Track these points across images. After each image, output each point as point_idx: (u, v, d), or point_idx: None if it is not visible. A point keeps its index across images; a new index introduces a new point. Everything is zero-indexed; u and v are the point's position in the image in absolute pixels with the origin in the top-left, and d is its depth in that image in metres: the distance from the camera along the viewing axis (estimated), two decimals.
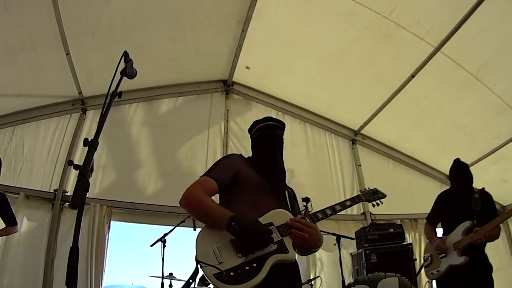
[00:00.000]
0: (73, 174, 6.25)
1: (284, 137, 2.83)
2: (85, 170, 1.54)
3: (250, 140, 2.85)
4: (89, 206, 5.97)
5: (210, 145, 7.11)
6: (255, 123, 2.82)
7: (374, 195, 2.91)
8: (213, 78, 7.40)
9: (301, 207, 3.92)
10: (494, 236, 4.12)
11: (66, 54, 5.71)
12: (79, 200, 1.47)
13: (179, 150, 6.92)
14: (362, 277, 4.18)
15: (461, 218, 4.19)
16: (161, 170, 6.73)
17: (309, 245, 2.38)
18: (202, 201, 2.30)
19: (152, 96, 7.06)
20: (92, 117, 6.71)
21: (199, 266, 2.12)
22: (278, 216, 2.36)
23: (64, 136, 6.46)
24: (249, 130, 2.87)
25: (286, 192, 2.68)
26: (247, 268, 2.10)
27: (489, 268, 4.15)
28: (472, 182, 4.59)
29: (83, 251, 5.72)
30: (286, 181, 2.76)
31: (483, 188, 4.44)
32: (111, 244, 6.14)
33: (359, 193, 2.91)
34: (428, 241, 4.62)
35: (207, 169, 2.57)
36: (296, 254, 2.33)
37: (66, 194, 6.07)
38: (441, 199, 4.65)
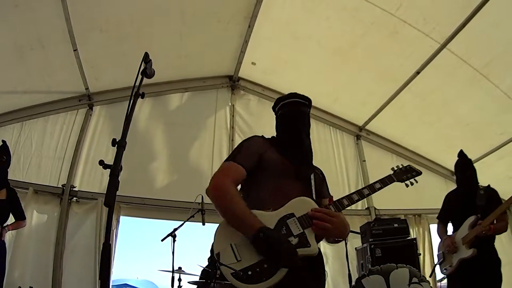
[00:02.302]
0: (81, 169, 6.35)
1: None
2: (116, 170, 1.58)
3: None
4: (97, 201, 6.04)
5: (216, 140, 7.16)
6: (279, 100, 2.67)
7: (408, 173, 2.63)
8: (219, 74, 7.43)
9: None
10: (501, 229, 4.29)
11: (74, 51, 5.76)
12: (112, 198, 1.51)
13: (186, 145, 6.98)
14: (375, 268, 4.25)
15: (467, 214, 4.37)
16: (168, 165, 6.79)
17: (333, 235, 2.26)
18: (234, 200, 2.15)
19: (159, 91, 7.10)
20: (99, 113, 6.77)
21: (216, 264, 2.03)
22: (300, 205, 2.21)
23: (71, 132, 6.53)
24: (273, 108, 2.71)
25: (313, 175, 2.50)
26: (265, 266, 2.00)
27: (497, 262, 4.28)
28: (476, 178, 4.69)
29: (91, 246, 5.79)
30: None
31: (488, 185, 4.61)
32: (120, 239, 6.22)
33: (391, 173, 2.60)
34: (440, 239, 4.81)
35: (230, 153, 2.45)
36: (322, 244, 2.28)
37: (74, 189, 6.14)
38: (449, 198, 4.84)
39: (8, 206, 4.82)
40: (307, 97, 2.66)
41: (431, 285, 4.04)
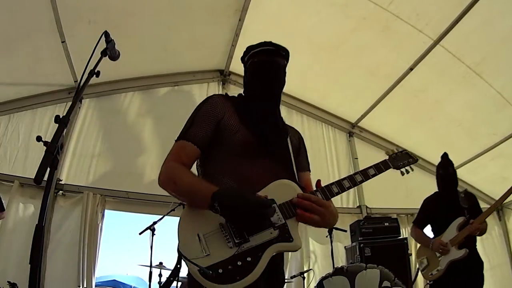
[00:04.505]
0: (68, 162, 6.25)
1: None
2: (52, 146, 1.48)
3: None
4: (82, 194, 5.95)
5: None
6: (249, 48, 2.26)
7: (404, 160, 2.30)
8: (209, 68, 7.36)
9: None
10: (483, 230, 4.30)
11: (62, 42, 5.67)
12: (42, 175, 1.43)
13: (175, 140, 6.86)
14: (341, 267, 4.04)
15: (452, 217, 4.37)
16: (156, 159, 6.66)
17: (319, 226, 1.92)
18: (176, 182, 1.87)
19: (148, 85, 7.03)
20: (88, 106, 6.68)
21: (182, 260, 1.72)
22: (281, 190, 1.88)
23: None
24: (242, 59, 2.32)
25: (289, 143, 2.17)
26: (239, 263, 1.69)
27: (481, 264, 4.33)
28: (457, 183, 4.69)
29: (75, 240, 5.71)
30: None
31: (466, 189, 4.75)
32: (105, 234, 6.15)
33: (386, 158, 2.29)
34: (420, 245, 4.79)
35: (184, 125, 2.10)
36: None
37: (60, 182, 6.06)
38: (428, 203, 4.79)
39: None
40: (283, 47, 2.26)
41: None
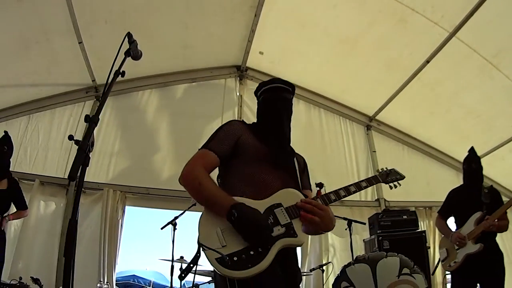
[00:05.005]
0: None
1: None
2: (84, 144, 1.54)
3: None
4: (102, 191, 6.07)
5: None
6: (261, 85, 2.64)
7: (392, 176, 2.68)
8: (226, 64, 7.39)
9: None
10: (503, 227, 4.35)
11: (79, 43, 5.77)
12: (76, 172, 1.49)
13: (193, 135, 6.85)
14: (362, 256, 4.10)
15: (472, 211, 4.41)
16: (175, 155, 6.76)
17: (320, 229, 2.25)
18: (202, 183, 2.15)
19: (165, 82, 7.10)
20: (106, 104, 6.67)
21: (201, 249, 1.98)
22: (288, 196, 2.20)
23: (78, 124, 6.53)
24: (255, 93, 2.69)
25: (296, 162, 2.51)
26: (251, 253, 1.96)
27: (501, 256, 4.34)
28: (482, 175, 4.71)
29: (96, 236, 5.82)
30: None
31: (491, 185, 4.68)
32: (126, 230, 6.24)
33: (376, 173, 2.69)
34: (442, 236, 4.84)
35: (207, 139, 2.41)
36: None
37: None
38: (453, 195, 4.83)
39: (8, 196, 4.85)
40: (290, 83, 2.62)
41: (424, 278, 3.79)
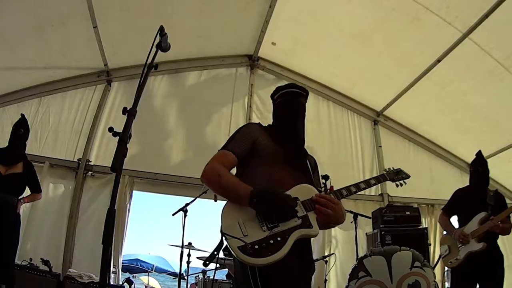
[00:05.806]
0: (97, 144, 6.44)
1: (307, 111, 2.77)
2: (124, 136, 1.62)
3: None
4: (111, 175, 6.08)
5: (233, 118, 7.18)
6: (278, 89, 2.77)
7: (398, 175, 2.82)
8: (238, 53, 7.42)
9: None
10: (506, 230, 4.41)
11: (94, 27, 5.81)
12: (118, 163, 1.55)
13: (203, 123, 7.00)
14: (378, 249, 4.30)
15: (476, 212, 4.48)
16: (184, 142, 6.84)
17: (332, 221, 2.35)
18: (222, 177, 2.29)
19: (177, 68, 7.13)
20: (117, 89, 6.83)
21: (224, 238, 2.11)
22: (303, 191, 2.33)
23: (89, 107, 6.61)
24: (272, 96, 2.82)
25: (308, 162, 2.64)
26: (271, 241, 2.08)
27: (501, 258, 4.41)
28: (488, 178, 4.78)
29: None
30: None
31: (496, 189, 4.83)
32: (132, 214, 6.31)
33: (384, 172, 2.83)
34: (445, 232, 4.94)
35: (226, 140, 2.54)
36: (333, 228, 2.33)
37: (90, 163, 6.24)
38: (459, 194, 4.89)
39: (24, 179, 4.87)
40: (305, 89, 2.76)
41: (432, 271, 4.08)
